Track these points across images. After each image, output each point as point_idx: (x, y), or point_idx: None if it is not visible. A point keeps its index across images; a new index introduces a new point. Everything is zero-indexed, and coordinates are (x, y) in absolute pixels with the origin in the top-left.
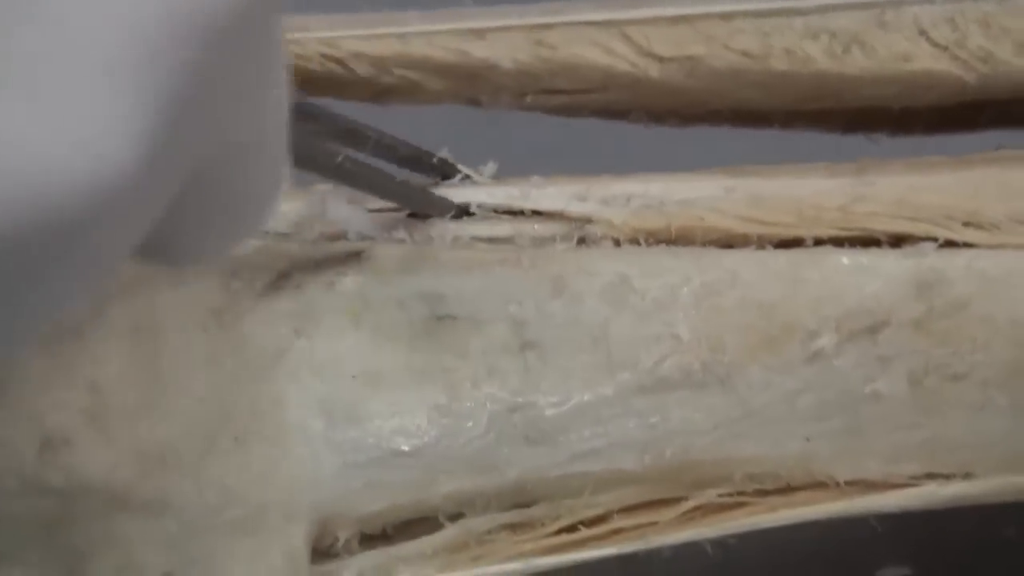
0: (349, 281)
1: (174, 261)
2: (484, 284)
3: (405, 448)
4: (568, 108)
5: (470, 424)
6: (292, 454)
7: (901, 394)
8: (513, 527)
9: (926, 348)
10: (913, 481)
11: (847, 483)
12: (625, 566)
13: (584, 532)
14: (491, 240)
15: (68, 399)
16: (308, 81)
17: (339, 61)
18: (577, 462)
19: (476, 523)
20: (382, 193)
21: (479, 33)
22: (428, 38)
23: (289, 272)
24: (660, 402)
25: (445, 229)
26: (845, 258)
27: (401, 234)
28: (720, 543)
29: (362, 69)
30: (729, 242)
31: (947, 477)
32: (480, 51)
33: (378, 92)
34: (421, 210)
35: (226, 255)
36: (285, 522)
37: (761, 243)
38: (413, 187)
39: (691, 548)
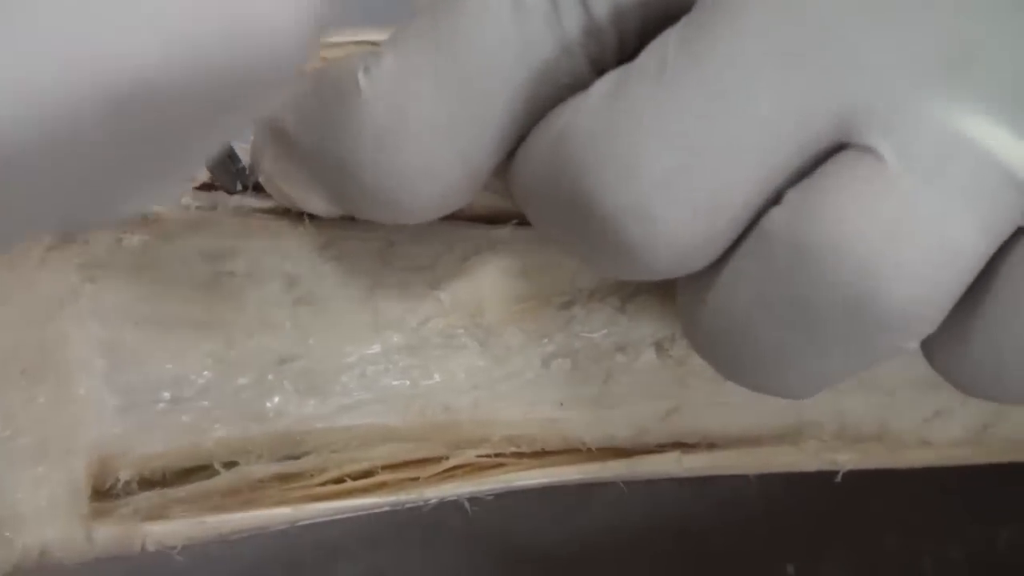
0: (136, 239)
1: None
2: (262, 245)
3: (181, 393)
4: None
5: (243, 372)
6: (74, 392)
7: (649, 363)
8: (284, 477)
9: (673, 318)
10: (659, 448)
11: (598, 449)
12: None
13: (350, 484)
14: (270, 211)
15: None
16: None
17: None
18: (343, 415)
19: (249, 471)
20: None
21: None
22: None
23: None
24: (423, 361)
25: (228, 199)
26: None
27: (187, 201)
28: None
29: None
30: (495, 218)
31: (692, 447)
32: None
33: None
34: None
35: None
36: (66, 455)
37: (524, 220)
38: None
39: None
